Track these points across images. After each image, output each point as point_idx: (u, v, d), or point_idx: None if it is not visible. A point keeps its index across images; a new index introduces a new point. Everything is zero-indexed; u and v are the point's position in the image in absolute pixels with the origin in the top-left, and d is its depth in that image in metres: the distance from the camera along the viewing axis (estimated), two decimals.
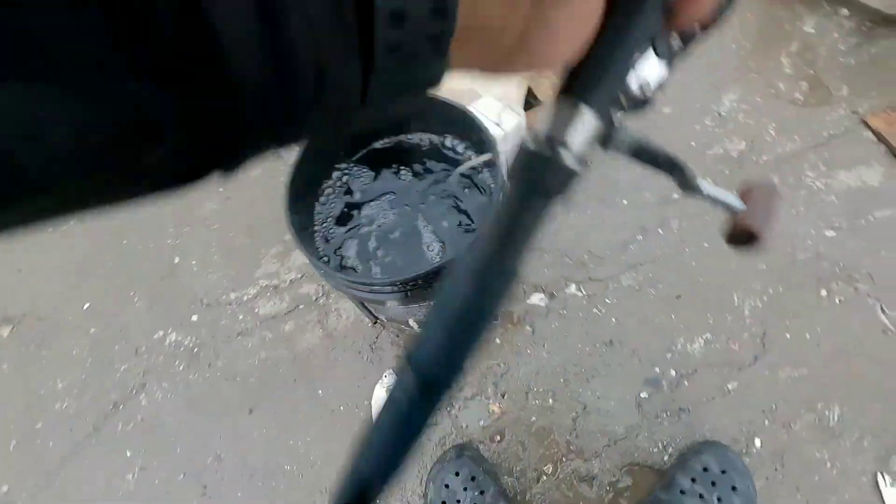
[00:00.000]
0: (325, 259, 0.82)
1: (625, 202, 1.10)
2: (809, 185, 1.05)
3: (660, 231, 1.06)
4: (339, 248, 0.82)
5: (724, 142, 1.13)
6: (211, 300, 1.16)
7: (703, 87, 1.20)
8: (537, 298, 1.04)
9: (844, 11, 1.22)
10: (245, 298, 1.15)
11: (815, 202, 1.04)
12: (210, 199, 1.30)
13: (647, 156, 0.33)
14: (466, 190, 0.83)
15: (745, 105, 1.16)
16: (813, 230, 1.01)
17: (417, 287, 0.71)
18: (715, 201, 0.35)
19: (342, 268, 0.80)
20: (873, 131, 1.08)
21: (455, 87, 1.01)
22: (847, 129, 1.09)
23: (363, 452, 0.28)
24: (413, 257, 0.79)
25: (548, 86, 1.20)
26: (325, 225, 0.84)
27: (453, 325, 0.25)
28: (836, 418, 0.86)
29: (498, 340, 1.01)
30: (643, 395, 0.93)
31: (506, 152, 0.81)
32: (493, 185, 0.76)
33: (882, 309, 0.92)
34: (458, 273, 0.26)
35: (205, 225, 1.26)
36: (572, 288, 1.04)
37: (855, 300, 0.94)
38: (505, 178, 0.77)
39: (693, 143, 1.14)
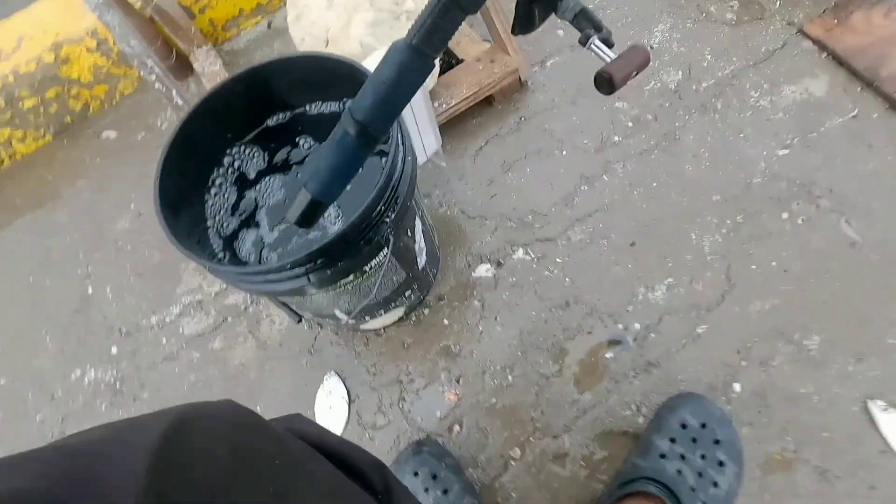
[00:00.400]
0: (220, 257, 0.71)
1: (563, 153, 1.02)
2: (755, 105, 0.98)
3: (604, 177, 0.98)
4: (235, 240, 0.71)
5: (661, 74, 1.05)
6: (130, 327, 1.04)
7: (631, 22, 1.12)
8: (483, 270, 0.95)
9: None
10: (167, 320, 1.03)
11: (763, 122, 0.96)
12: (121, 217, 1.18)
13: (585, 20, 0.50)
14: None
15: (676, 34, 1.09)
16: (765, 151, 0.93)
17: (320, 266, 0.61)
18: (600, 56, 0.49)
19: (238, 262, 0.69)
20: (812, 40, 1.01)
21: (357, 48, 0.91)
22: (785, 42, 1.02)
23: (314, 178, 0.43)
24: (315, 236, 0.69)
25: (467, 44, 1.11)
26: (218, 219, 0.74)
27: (384, 91, 0.40)
28: (815, 347, 0.79)
29: (446, 321, 0.92)
30: (608, 355, 0.84)
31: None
32: (391, 144, 0.66)
33: (847, 222, 0.85)
34: (388, 56, 0.40)
35: (117, 247, 1.14)
36: (519, 252, 0.95)
37: (818, 217, 0.86)
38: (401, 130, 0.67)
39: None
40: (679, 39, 1.08)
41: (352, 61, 0.68)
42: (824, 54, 0.99)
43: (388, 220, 0.63)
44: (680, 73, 1.04)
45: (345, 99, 0.76)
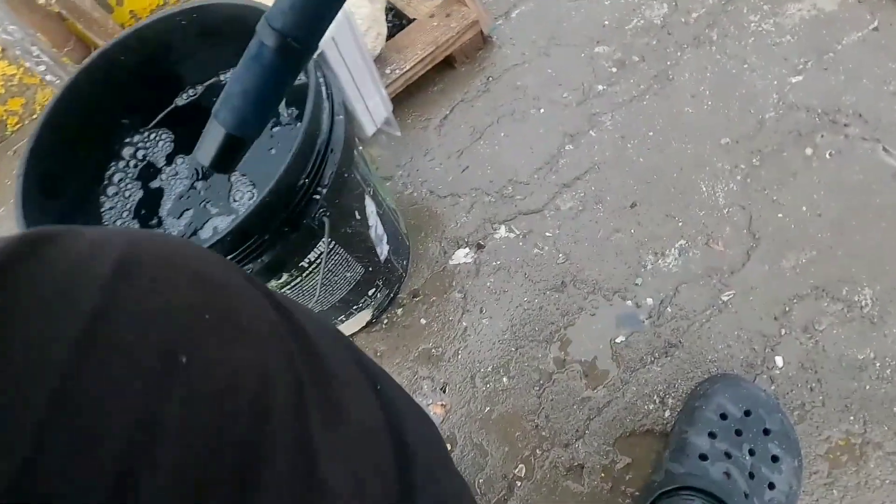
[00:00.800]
0: None
1: (540, 111, 0.87)
2: (756, 31, 0.84)
3: (591, 133, 0.84)
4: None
5: (643, 9, 0.91)
6: None
7: None
8: (462, 255, 0.80)
9: None
10: None
11: (769, 48, 0.82)
12: None
13: None
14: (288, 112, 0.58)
15: None
16: (775, 80, 0.79)
17: (237, 262, 0.46)
18: None
19: None
20: None
21: None
22: None
23: (226, 105, 0.35)
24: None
25: (418, 2, 0.97)
26: (120, 222, 0.59)
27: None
28: (869, 302, 0.64)
29: (423, 320, 0.77)
30: (619, 339, 0.70)
31: (330, 45, 0.56)
32: (309, 94, 0.52)
33: (885, 149, 0.71)
34: None
35: None
36: (502, 230, 0.80)
37: (849, 148, 0.72)
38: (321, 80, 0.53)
39: (606, 22, 0.92)
40: None
41: (259, 5, 0.54)
42: None
43: (317, 196, 0.49)
44: (665, 5, 0.90)
45: None
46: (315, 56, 0.51)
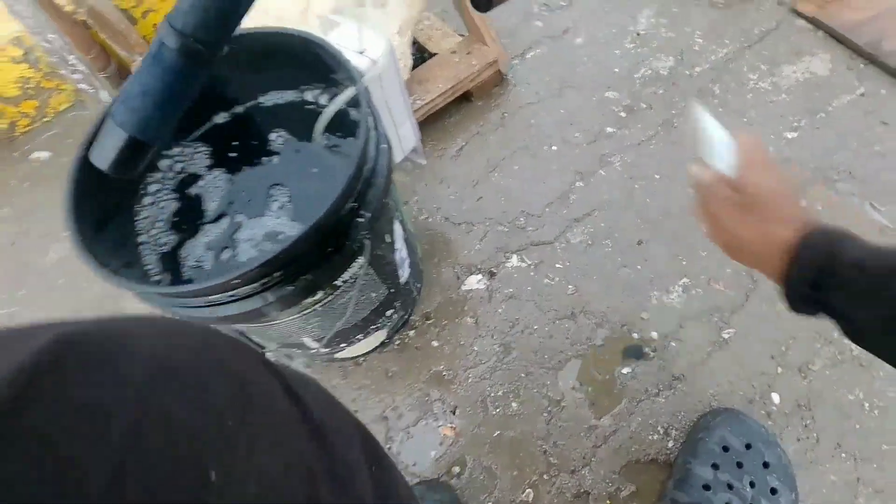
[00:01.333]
0: (157, 279, 0.57)
1: (553, 148, 0.92)
2: (755, 88, 0.91)
3: (601, 172, 0.88)
4: (177, 258, 0.58)
5: (651, 61, 0.97)
6: None
7: (613, 9, 1.05)
8: (475, 282, 0.83)
9: None
10: None
11: (767, 105, 0.89)
12: (52, 247, 1.02)
13: None
14: (334, 138, 0.61)
15: (663, 19, 1.02)
16: (772, 135, 0.86)
17: (279, 282, 0.48)
18: None
19: (179, 284, 0.56)
20: (807, 18, 0.95)
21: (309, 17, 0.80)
22: (779, 21, 0.96)
23: (124, 105, 0.34)
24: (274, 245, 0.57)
25: (439, 37, 1.02)
26: (153, 233, 0.60)
27: None
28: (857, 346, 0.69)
29: (435, 343, 0.79)
30: (626, 370, 0.73)
31: (376, 79, 0.60)
32: (365, 128, 0.55)
33: (872, 205, 0.77)
34: None
35: (47, 282, 0.98)
36: (514, 260, 0.84)
37: (839, 202, 0.78)
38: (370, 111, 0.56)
39: (616, 70, 0.98)
40: (666, 25, 1.01)
41: (307, 34, 0.57)
42: (821, 32, 0.93)
43: (361, 220, 0.51)
44: (671, 58, 0.97)
45: (302, 87, 0.65)
46: (362, 87, 0.54)
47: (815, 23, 0.94)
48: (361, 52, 0.61)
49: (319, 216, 0.45)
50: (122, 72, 1.15)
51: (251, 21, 0.86)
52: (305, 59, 0.58)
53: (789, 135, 0.85)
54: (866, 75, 0.87)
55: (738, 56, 0.94)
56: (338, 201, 0.46)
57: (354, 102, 0.54)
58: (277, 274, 0.48)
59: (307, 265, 0.49)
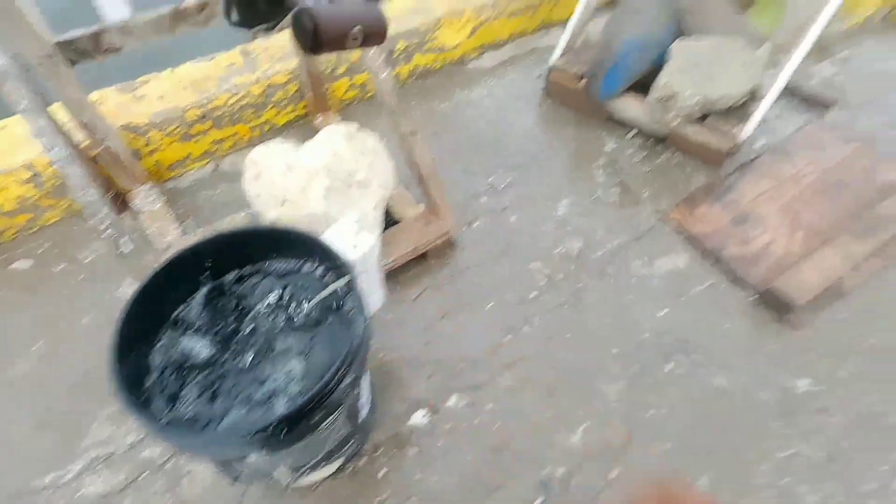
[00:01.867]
0: (162, 419, 0.70)
1: (490, 304, 1.16)
2: (637, 273, 1.21)
3: (526, 328, 1.12)
4: (181, 401, 0.72)
5: (566, 241, 1.27)
6: (18, 488, 0.91)
7: (541, 196, 1.37)
8: (420, 416, 1.00)
9: (633, 132, 1.53)
10: (66, 478, 0.93)
11: (645, 287, 1.19)
12: (21, 358, 1.08)
13: None
14: (329, 317, 0.80)
15: (577, 208, 1.34)
16: (648, 312, 1.14)
17: (277, 437, 0.63)
18: None
19: (187, 423, 0.69)
20: (674, 224, 1.30)
21: (313, 210, 1.02)
22: (654, 225, 1.31)
23: None
24: (267, 401, 0.72)
25: (404, 206, 1.27)
26: (162, 375, 0.74)
27: None
28: (707, 487, 0.92)
29: (382, 472, 0.93)
30: (536, 502, 0.90)
31: (363, 272, 0.81)
32: (353, 308, 0.75)
33: (715, 374, 1.05)
34: None
35: (12, 393, 1.03)
36: (454, 398, 1.02)
37: (693, 370, 1.06)
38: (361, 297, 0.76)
39: (541, 245, 1.26)
40: (579, 213, 1.33)
41: (316, 236, 0.78)
42: (682, 236, 1.28)
43: (347, 380, 0.69)
44: (581, 241, 1.27)
45: (304, 259, 0.84)
46: (354, 277, 0.75)
47: (679, 228, 1.29)
48: (355, 246, 0.82)
49: (320, 384, 0.62)
50: (117, 197, 1.30)
51: (261, 199, 1.06)
52: (305, 243, 0.78)
53: (660, 313, 1.14)
54: (712, 272, 1.21)
55: (627, 246, 1.26)
56: (335, 371, 0.64)
57: (347, 288, 0.75)
58: (280, 427, 0.63)
59: (302, 419, 0.65)
